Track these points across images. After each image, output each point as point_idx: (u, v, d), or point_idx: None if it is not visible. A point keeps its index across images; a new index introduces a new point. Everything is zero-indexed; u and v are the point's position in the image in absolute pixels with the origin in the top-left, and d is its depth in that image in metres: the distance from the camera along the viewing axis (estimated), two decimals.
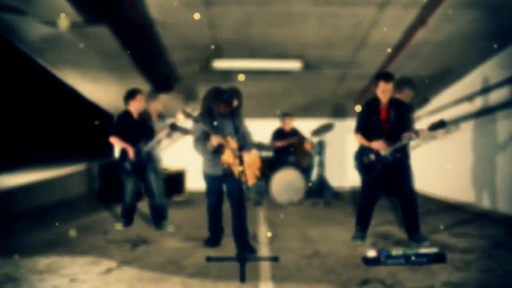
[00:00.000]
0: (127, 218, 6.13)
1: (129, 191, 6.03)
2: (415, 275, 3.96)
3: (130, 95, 5.95)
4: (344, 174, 10.54)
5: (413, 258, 4.21)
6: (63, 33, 6.22)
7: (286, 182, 7.92)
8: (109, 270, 4.14)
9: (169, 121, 6.20)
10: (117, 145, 5.96)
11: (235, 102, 4.78)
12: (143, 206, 7.77)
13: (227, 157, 4.60)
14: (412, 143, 5.48)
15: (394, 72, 5.59)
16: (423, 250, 4.30)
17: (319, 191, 8.89)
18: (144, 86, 8.18)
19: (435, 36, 6.45)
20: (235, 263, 3.89)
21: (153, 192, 5.96)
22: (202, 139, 4.67)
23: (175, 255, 4.67)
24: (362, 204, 5.31)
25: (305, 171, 8.60)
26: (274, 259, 4.22)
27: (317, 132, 8.91)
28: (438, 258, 4.25)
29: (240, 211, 4.50)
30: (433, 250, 4.32)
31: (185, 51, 7.13)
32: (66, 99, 11.09)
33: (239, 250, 3.98)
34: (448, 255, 4.37)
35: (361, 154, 5.13)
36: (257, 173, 4.90)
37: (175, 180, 8.95)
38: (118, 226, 6.05)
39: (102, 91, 8.95)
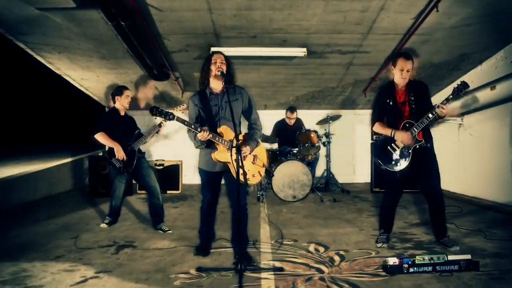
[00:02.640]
0: (114, 217, 5.68)
1: (119, 194, 5.57)
2: (446, 287, 3.34)
3: (117, 91, 5.69)
4: (352, 168, 9.96)
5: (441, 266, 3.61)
6: (51, 16, 5.83)
7: (290, 176, 7.28)
8: (84, 280, 3.53)
9: None
10: (105, 143, 5.40)
11: (221, 65, 3.89)
12: (136, 202, 7.24)
13: (219, 154, 3.82)
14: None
15: None
16: (452, 257, 3.67)
17: (326, 186, 8.30)
18: (138, 74, 7.91)
19: (448, 20, 5.93)
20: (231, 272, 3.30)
21: (153, 190, 5.47)
22: (192, 130, 3.87)
23: (163, 261, 4.06)
24: (385, 205, 4.72)
25: (311, 164, 7.96)
26: (278, 269, 3.61)
27: (323, 121, 8.27)
28: (471, 266, 3.63)
29: (241, 214, 3.72)
30: (464, 257, 3.68)
31: (182, 38, 6.66)
32: (51, 87, 10.43)
33: (237, 260, 3.36)
34: (480, 260, 3.74)
35: (385, 145, 4.47)
36: (262, 170, 4.20)
37: (171, 174, 8.39)
38: (104, 225, 5.51)
39: (93, 79, 8.48)
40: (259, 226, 5.50)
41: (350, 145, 9.89)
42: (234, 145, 3.44)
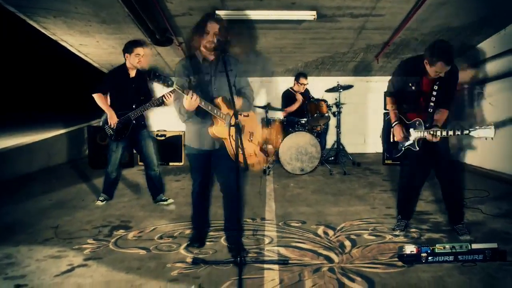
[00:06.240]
0: (109, 192, 5.37)
1: (113, 161, 5.17)
2: (470, 281, 2.99)
3: (126, 47, 4.98)
4: (362, 138, 9.58)
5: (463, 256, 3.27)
6: None
7: (298, 148, 6.90)
8: (70, 269, 3.23)
9: None
10: (101, 106, 5.02)
11: (213, 38, 3.29)
12: (136, 175, 6.96)
13: (217, 129, 3.34)
14: None
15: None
16: (476, 245, 3.31)
17: (336, 158, 7.93)
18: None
19: None
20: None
21: (149, 162, 5.17)
22: (180, 99, 3.34)
23: (159, 246, 3.75)
24: (403, 185, 4.28)
25: (320, 135, 7.57)
26: (282, 262, 3.28)
27: (332, 90, 7.83)
28: (497, 256, 3.27)
29: (236, 201, 3.24)
30: (490, 245, 3.31)
31: (185, 1, 6.16)
32: (48, 53, 10.00)
33: (236, 252, 3.02)
34: (505, 247, 3.39)
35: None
36: (258, 149, 3.78)
37: (173, 145, 8.07)
38: (99, 203, 5.20)
39: (93, 45, 8.09)
40: (265, 204, 5.17)
41: (361, 114, 9.47)
42: (232, 123, 2.96)
